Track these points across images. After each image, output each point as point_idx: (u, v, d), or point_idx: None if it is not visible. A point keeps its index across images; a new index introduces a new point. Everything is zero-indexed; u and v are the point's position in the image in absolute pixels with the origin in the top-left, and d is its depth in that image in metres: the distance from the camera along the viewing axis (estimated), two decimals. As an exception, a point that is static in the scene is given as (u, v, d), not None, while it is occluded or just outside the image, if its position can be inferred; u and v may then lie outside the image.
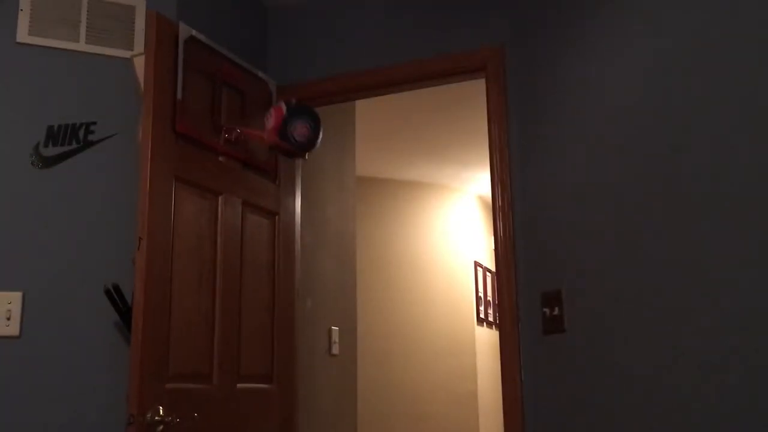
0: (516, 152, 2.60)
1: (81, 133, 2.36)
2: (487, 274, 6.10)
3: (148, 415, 2.00)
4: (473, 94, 3.00)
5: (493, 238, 2.63)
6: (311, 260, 3.18)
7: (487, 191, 2.74)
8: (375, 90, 3.00)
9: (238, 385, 2.44)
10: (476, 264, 5.88)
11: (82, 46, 2.42)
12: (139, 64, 2.31)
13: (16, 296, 2.20)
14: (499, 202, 2.60)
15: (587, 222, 2.08)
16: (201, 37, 2.43)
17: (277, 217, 2.78)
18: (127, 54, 2.43)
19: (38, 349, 2.20)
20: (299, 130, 2.35)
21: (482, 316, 5.91)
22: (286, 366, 2.71)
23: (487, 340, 5.75)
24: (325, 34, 3.02)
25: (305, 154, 2.38)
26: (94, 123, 2.38)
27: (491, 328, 5.94)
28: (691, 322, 1.63)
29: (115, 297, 2.20)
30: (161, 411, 2.02)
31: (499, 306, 2.56)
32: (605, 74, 2.04)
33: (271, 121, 2.34)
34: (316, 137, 2.37)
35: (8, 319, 2.18)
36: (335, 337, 3.39)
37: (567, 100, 2.25)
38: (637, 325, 1.83)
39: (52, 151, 2.33)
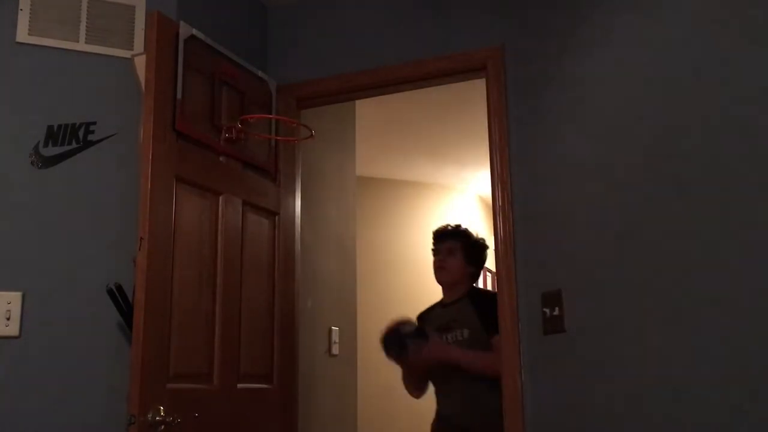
0: (516, 152, 2.60)
1: (81, 133, 2.36)
2: (487, 274, 6.09)
3: (149, 416, 2.00)
4: (473, 94, 2.99)
5: (493, 238, 2.63)
6: (311, 260, 3.18)
7: (487, 191, 2.75)
8: (375, 90, 3.00)
9: (239, 385, 2.44)
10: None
11: (82, 46, 2.42)
12: (140, 63, 2.31)
13: (16, 296, 2.20)
14: (499, 202, 2.60)
15: (587, 222, 2.08)
16: (201, 36, 2.43)
17: (277, 217, 2.77)
18: (127, 54, 2.43)
19: (38, 349, 2.20)
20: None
21: (482, 316, 5.90)
22: (286, 366, 2.71)
23: (486, 340, 5.74)
24: (325, 34, 3.02)
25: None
26: (94, 123, 2.38)
27: (491, 328, 5.92)
28: (692, 321, 1.63)
29: (118, 297, 2.20)
30: (162, 411, 2.02)
31: (499, 306, 2.56)
32: (605, 74, 2.04)
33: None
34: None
35: (8, 319, 2.18)
36: (335, 337, 3.39)
37: (567, 99, 2.25)
38: (637, 325, 1.83)
39: (52, 151, 2.32)
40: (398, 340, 2.86)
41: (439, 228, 3.08)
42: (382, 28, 2.95)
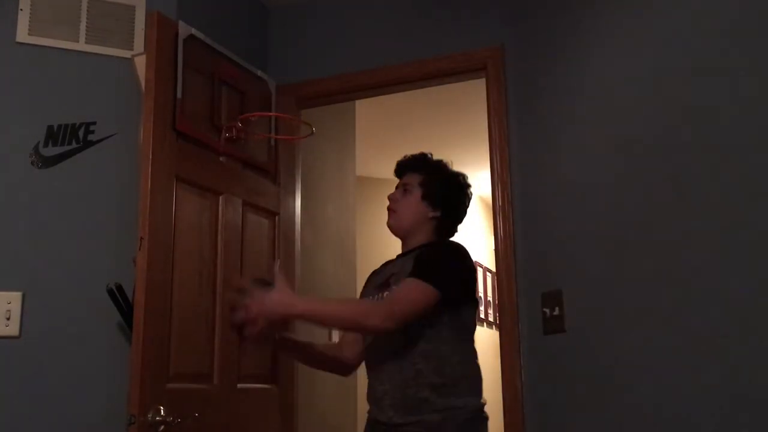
0: (516, 152, 2.60)
1: (81, 133, 2.36)
2: (488, 274, 6.10)
3: (149, 415, 2.00)
4: (473, 94, 3.00)
5: (493, 238, 2.63)
6: (311, 260, 3.18)
7: (487, 191, 2.73)
8: (375, 90, 3.00)
9: (239, 385, 2.44)
10: (476, 264, 5.87)
11: (82, 46, 2.42)
12: (140, 63, 2.31)
13: (16, 296, 2.20)
14: (499, 202, 2.60)
15: (587, 222, 2.08)
16: (200, 35, 2.43)
17: (277, 217, 2.77)
18: (127, 54, 2.42)
19: (38, 349, 2.20)
20: None
21: (482, 316, 5.91)
22: (286, 366, 2.71)
23: (487, 340, 5.74)
24: (325, 33, 3.02)
25: None
26: (94, 123, 2.38)
27: (491, 328, 5.93)
28: (691, 322, 1.63)
29: (118, 297, 2.20)
30: (162, 411, 2.02)
31: (499, 306, 2.56)
32: (605, 73, 2.04)
33: None
34: None
35: (8, 319, 2.18)
36: (335, 337, 3.38)
37: (567, 99, 2.25)
38: (637, 325, 1.83)
39: (52, 151, 2.32)
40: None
41: (398, 160, 2.23)
42: (382, 28, 2.95)
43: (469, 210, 2.19)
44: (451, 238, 2.17)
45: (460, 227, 2.19)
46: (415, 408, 1.90)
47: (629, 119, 1.91)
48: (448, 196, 2.15)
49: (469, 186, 2.20)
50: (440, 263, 1.98)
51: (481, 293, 5.97)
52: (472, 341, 2.06)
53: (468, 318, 2.04)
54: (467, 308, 2.03)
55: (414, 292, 1.89)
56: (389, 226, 2.18)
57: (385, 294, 2.03)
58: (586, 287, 2.08)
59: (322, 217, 3.43)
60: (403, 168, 2.21)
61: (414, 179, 2.16)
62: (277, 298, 1.82)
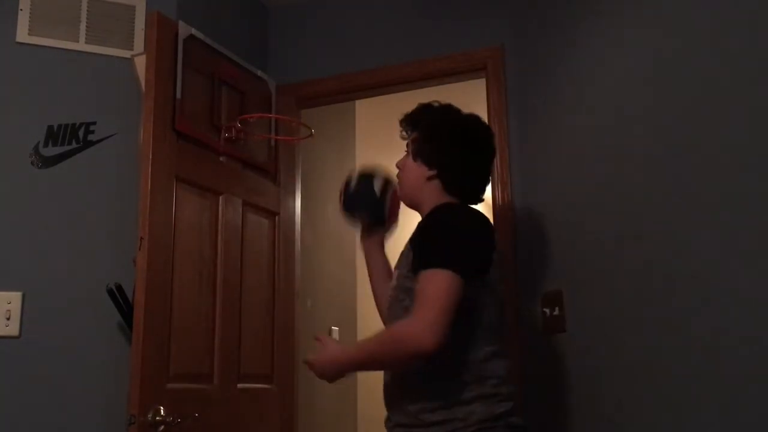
0: (516, 152, 2.60)
1: (81, 133, 2.36)
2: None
3: (149, 415, 2.00)
4: (473, 94, 3.00)
5: (493, 237, 2.63)
6: (311, 260, 3.18)
7: (487, 191, 2.73)
8: (375, 90, 3.00)
9: (238, 385, 2.44)
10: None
11: (82, 46, 2.42)
12: (140, 63, 2.31)
13: (16, 296, 2.20)
14: (499, 202, 2.60)
15: (587, 222, 2.08)
16: (200, 35, 2.43)
17: (277, 217, 2.78)
18: (127, 54, 2.43)
19: (38, 349, 2.20)
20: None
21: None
22: (286, 366, 2.71)
23: (486, 340, 5.74)
24: (325, 33, 3.02)
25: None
26: (94, 123, 2.38)
27: (491, 328, 5.92)
28: (692, 322, 1.63)
29: (118, 297, 2.20)
30: (162, 411, 2.02)
31: (499, 306, 2.55)
32: (605, 73, 2.04)
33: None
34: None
35: (8, 319, 2.18)
36: (335, 337, 3.39)
37: (567, 99, 2.25)
38: (637, 325, 1.83)
39: (52, 151, 2.32)
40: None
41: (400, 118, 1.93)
42: (382, 28, 2.95)
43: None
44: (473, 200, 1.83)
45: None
46: (412, 425, 1.67)
47: (630, 119, 1.91)
48: (444, 147, 1.78)
49: (479, 128, 1.82)
50: (438, 237, 1.64)
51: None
52: (489, 332, 1.68)
53: (479, 301, 1.66)
54: (481, 288, 1.66)
55: (434, 289, 1.54)
56: (400, 198, 1.97)
57: (392, 281, 1.84)
58: (586, 287, 2.08)
59: (322, 217, 3.43)
60: (405, 126, 1.89)
61: (412, 138, 1.87)
62: (324, 360, 1.74)
